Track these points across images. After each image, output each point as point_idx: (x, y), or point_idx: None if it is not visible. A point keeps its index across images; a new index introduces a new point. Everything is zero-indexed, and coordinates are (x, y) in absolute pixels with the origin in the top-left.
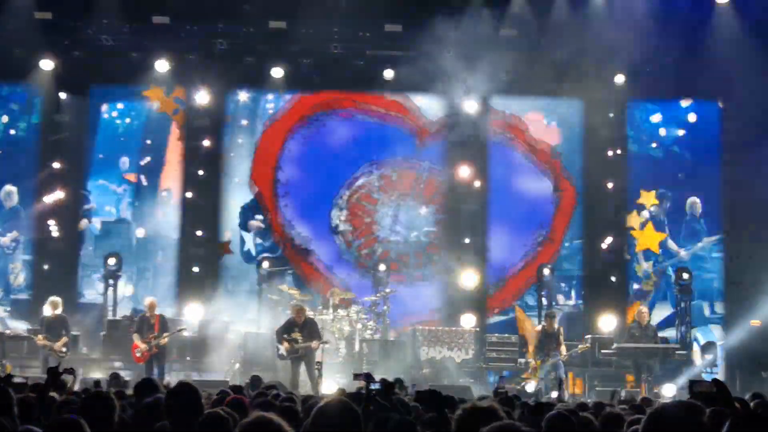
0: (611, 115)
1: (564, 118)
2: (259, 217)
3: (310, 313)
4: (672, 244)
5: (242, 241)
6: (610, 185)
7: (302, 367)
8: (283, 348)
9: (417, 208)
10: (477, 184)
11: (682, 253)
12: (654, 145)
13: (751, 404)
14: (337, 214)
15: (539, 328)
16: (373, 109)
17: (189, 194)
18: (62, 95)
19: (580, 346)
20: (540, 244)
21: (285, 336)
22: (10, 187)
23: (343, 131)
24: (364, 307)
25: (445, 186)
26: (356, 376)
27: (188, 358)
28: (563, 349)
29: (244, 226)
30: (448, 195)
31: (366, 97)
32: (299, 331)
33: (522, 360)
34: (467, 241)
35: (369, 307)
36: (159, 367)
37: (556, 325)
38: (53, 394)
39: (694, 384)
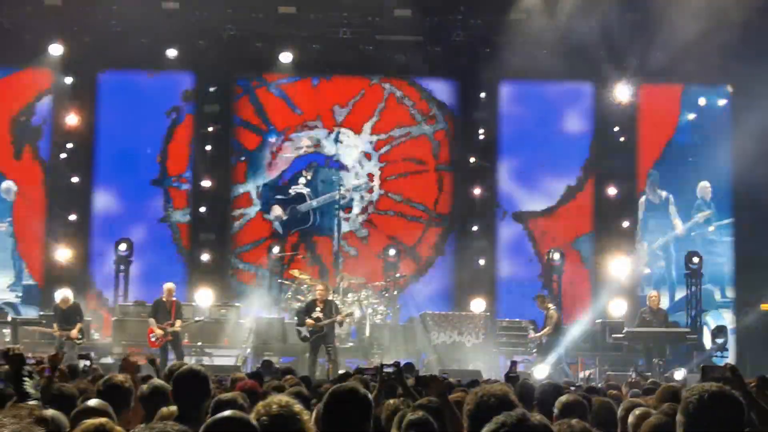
0: (620, 99)
1: (575, 102)
2: (280, 196)
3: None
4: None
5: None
6: (620, 169)
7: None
8: (305, 330)
9: (428, 191)
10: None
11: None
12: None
13: None
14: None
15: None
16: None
17: (199, 179)
18: (72, 81)
19: (542, 331)
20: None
21: (307, 318)
22: (7, 184)
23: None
24: (374, 292)
25: (455, 169)
26: (361, 371)
27: (199, 343)
28: (544, 331)
29: (266, 207)
30: (457, 178)
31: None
32: (320, 311)
33: (532, 345)
34: (475, 228)
35: (379, 292)
36: (177, 353)
37: (546, 306)
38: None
39: (707, 369)
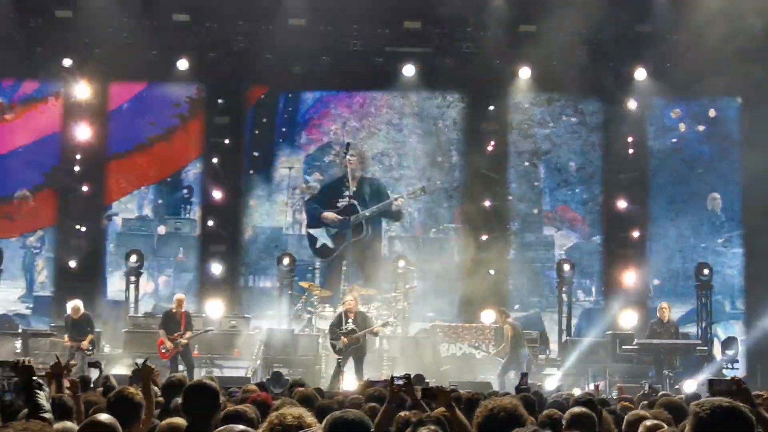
0: (630, 110)
1: (584, 114)
2: (341, 201)
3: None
4: None
5: (311, 239)
6: (629, 181)
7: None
8: (340, 342)
9: (438, 203)
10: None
11: None
12: (674, 140)
13: None
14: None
15: None
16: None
17: (210, 191)
18: (83, 92)
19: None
20: None
21: (339, 330)
22: (23, 192)
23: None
24: (385, 304)
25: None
26: (372, 383)
27: (209, 355)
28: (500, 348)
29: (314, 221)
30: (468, 188)
31: None
32: (353, 323)
33: (543, 356)
34: (484, 237)
35: (389, 304)
36: (188, 364)
37: (504, 322)
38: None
39: (713, 382)
